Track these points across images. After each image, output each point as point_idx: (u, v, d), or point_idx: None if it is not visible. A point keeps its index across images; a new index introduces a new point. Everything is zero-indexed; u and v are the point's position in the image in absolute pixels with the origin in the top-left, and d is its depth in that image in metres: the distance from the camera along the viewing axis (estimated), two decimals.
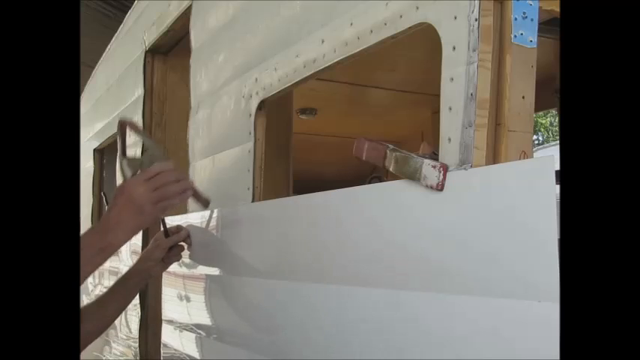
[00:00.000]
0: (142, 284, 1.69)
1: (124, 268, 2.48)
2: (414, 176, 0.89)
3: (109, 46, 3.22)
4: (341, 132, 2.69)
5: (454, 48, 0.86)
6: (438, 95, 0.89)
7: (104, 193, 3.09)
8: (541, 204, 0.72)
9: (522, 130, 0.85)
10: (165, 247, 1.59)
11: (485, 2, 0.83)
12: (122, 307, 1.66)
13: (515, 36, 0.84)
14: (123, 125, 1.48)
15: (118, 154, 1.45)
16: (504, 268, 0.76)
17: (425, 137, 2.62)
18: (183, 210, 1.83)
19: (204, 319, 1.69)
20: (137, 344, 2.32)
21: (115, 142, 2.73)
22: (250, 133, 1.42)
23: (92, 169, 3.36)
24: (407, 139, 2.68)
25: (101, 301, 1.58)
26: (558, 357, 0.65)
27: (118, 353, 2.63)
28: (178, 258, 1.63)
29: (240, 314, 1.49)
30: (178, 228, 1.65)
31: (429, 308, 0.88)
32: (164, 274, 1.86)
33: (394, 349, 0.94)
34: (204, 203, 1.42)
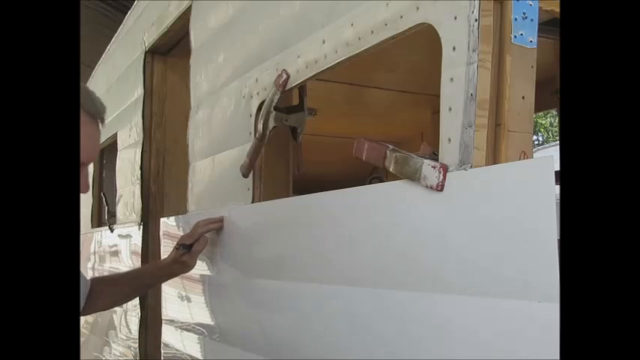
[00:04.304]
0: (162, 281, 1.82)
1: (123, 269, 2.48)
2: (413, 177, 0.89)
3: (108, 47, 3.22)
4: (341, 132, 2.69)
5: (454, 48, 0.86)
6: (438, 96, 0.89)
7: (104, 194, 3.09)
8: (541, 204, 0.72)
9: (522, 131, 0.85)
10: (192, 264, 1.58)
11: (485, 2, 0.83)
12: (128, 298, 1.88)
13: (515, 36, 0.84)
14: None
15: (266, 103, 1.37)
16: (504, 269, 0.76)
17: (425, 138, 2.62)
18: (184, 210, 1.84)
19: (204, 319, 1.68)
20: (137, 344, 2.32)
21: (115, 142, 2.75)
22: (250, 134, 1.42)
23: (92, 169, 3.36)
24: (407, 140, 2.68)
25: (113, 280, 1.78)
26: (558, 357, 0.65)
27: (118, 353, 2.63)
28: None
29: (239, 314, 1.49)
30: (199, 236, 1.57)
31: (429, 308, 0.88)
32: None
33: (394, 349, 0.94)
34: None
